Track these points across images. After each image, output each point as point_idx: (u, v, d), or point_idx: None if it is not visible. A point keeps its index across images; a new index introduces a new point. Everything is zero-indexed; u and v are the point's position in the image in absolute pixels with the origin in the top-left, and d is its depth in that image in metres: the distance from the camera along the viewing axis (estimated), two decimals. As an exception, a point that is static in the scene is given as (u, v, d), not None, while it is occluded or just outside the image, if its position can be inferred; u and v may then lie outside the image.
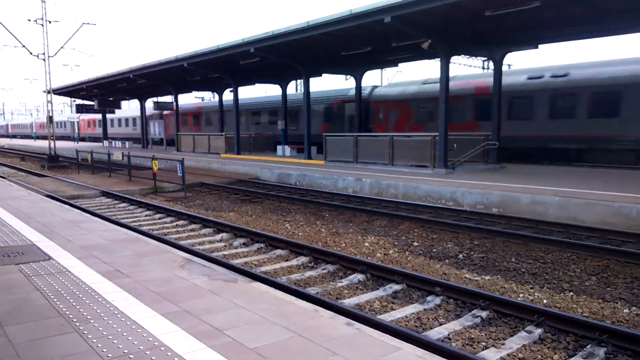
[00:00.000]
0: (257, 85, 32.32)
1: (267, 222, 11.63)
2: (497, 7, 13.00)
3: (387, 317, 5.54)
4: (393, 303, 6.12)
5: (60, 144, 46.63)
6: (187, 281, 4.94)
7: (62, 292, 4.48)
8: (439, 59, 17.31)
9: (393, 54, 21.62)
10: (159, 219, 11.87)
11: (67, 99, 63.52)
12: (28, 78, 71.82)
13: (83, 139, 61.32)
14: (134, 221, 11.42)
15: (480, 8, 13.15)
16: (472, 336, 5.06)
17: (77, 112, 54.60)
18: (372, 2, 14.72)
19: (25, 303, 4.17)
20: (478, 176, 15.10)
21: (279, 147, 27.39)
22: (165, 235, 9.97)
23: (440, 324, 5.42)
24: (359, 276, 7.13)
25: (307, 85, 23.61)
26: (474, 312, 5.72)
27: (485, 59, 43.22)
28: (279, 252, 8.63)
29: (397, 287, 6.64)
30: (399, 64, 25.48)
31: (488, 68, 48.30)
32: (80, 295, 4.39)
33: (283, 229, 10.83)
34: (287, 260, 8.19)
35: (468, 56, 41.46)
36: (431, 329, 5.27)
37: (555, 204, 10.79)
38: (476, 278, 7.13)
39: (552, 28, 15.84)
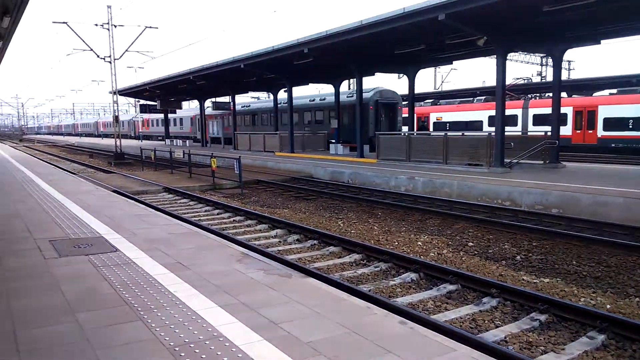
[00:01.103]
0: (310, 84, 32.62)
1: (320, 219, 11.76)
2: (556, 2, 12.46)
3: (441, 317, 5.50)
4: (447, 303, 6.05)
5: (124, 142, 49.06)
6: (244, 275, 5.12)
7: (128, 282, 4.77)
8: (495, 56, 16.82)
9: (447, 52, 21.20)
10: (217, 214, 12.27)
11: (132, 100, 66.52)
12: (95, 80, 76.03)
13: (137, 137, 64.07)
14: (194, 216, 11.87)
15: (537, 3, 12.67)
16: (530, 340, 4.94)
17: (141, 112, 57.14)
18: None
19: (94, 292, 4.47)
20: (536, 175, 14.56)
21: (332, 145, 27.51)
22: (223, 230, 10.30)
23: (497, 327, 5.32)
24: (412, 275, 7.10)
25: (359, 85, 23.59)
26: (532, 315, 5.56)
27: (544, 55, 41.55)
28: (331, 249, 8.72)
29: (451, 287, 6.56)
30: (454, 62, 24.95)
31: (547, 65, 46.39)
32: (145, 286, 4.65)
33: (336, 226, 10.92)
34: (339, 257, 8.26)
35: (525, 53, 39.98)
36: (487, 331, 5.19)
37: (620, 205, 10.25)
38: (534, 280, 6.92)
39: (614, 22, 15.01)
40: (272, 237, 9.85)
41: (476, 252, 8.59)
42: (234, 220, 11.37)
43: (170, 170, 21.60)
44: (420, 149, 19.71)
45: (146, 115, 60.59)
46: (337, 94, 29.13)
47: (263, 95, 67.60)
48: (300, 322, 3.85)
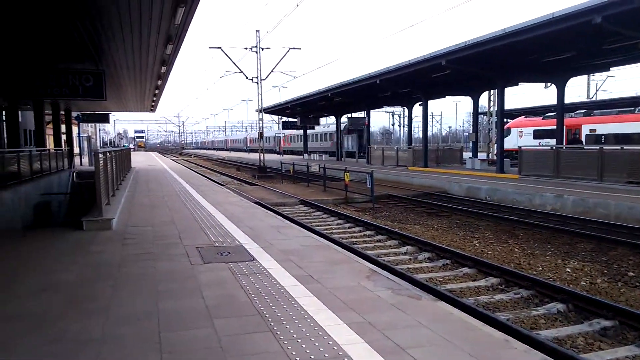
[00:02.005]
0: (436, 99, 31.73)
1: (453, 237, 11.25)
2: None
3: (593, 357, 4.85)
4: (601, 342, 5.33)
5: (267, 156, 52.42)
6: (371, 292, 5.05)
7: (262, 291, 4.99)
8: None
9: (602, 57, 19.10)
10: (349, 228, 12.42)
11: (276, 117, 71.01)
12: (244, 99, 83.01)
13: (277, 152, 67.86)
14: (326, 229, 12.16)
15: None
16: None
17: (283, 128, 60.67)
18: (575, 2, 13.26)
19: (231, 299, 4.76)
20: None
21: (468, 160, 26.35)
22: (354, 244, 10.37)
23: (664, 375, 4.53)
24: (558, 306, 6.39)
25: (501, 96, 22.30)
26: None
27: None
28: (465, 270, 8.25)
29: (606, 323, 5.77)
30: (611, 68, 22.40)
31: None
32: (276, 296, 4.83)
33: (471, 245, 10.35)
34: (474, 280, 7.79)
35: None
36: (651, 378, 4.44)
37: None
38: None
39: None
40: (402, 253, 9.65)
41: (638, 284, 7.48)
42: (364, 235, 11.40)
43: (307, 183, 22.49)
44: (570, 164, 17.96)
45: (287, 131, 64.21)
46: (475, 107, 27.87)
47: (398, 110, 67.51)
48: (428, 349, 3.66)
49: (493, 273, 7.84)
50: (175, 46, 10.87)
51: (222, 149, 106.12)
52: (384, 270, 6.23)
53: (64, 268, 5.85)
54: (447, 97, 33.06)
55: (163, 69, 14.47)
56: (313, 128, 54.92)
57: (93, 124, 76.85)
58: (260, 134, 33.23)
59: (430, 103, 30.21)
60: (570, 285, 7.39)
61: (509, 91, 26.19)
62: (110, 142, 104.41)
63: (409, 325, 4.14)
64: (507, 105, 25.35)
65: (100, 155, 8.72)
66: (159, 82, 17.68)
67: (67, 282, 5.27)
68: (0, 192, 12.69)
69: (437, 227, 12.69)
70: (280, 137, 68.37)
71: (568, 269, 8.35)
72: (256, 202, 15.77)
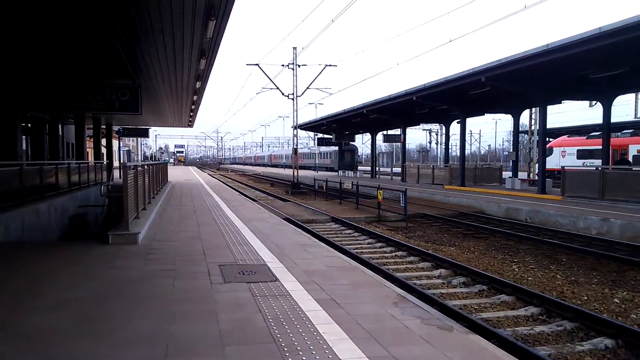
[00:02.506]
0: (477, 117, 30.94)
1: (490, 260, 10.68)
2: None
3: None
4: (656, 385, 4.76)
5: (301, 172, 52.45)
6: (398, 322, 4.68)
7: (280, 316, 4.70)
8: None
9: (657, 73, 18.11)
10: (380, 247, 12.00)
11: (312, 133, 71.28)
12: (281, 115, 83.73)
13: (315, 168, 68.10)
14: (356, 248, 11.79)
15: None
16: None
17: (318, 144, 60.78)
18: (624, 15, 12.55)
19: (247, 323, 4.48)
20: None
21: (508, 179, 25.46)
22: (384, 264, 9.97)
23: None
24: (606, 341, 5.82)
25: (543, 114, 21.48)
26: None
27: None
28: (503, 297, 7.72)
29: (662, 364, 5.18)
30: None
31: None
32: (295, 322, 4.52)
33: (509, 270, 9.76)
34: (512, 309, 7.25)
35: None
36: None
37: None
38: None
39: None
40: (434, 277, 9.17)
41: (698, 320, 6.78)
42: (395, 255, 10.96)
43: (339, 200, 22.17)
44: (616, 186, 16.97)
45: (323, 148, 64.67)
46: (516, 125, 26.99)
47: (435, 127, 66.65)
48: (458, 390, 3.27)
49: (533, 302, 7.28)
50: (209, 61, 10.88)
51: (258, 165, 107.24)
52: (413, 296, 5.83)
53: (82, 284, 5.72)
54: (486, 114, 32.24)
55: (198, 84, 14.58)
56: (348, 145, 54.98)
57: (135, 139, 79.06)
58: (295, 150, 33.25)
59: (469, 121, 29.51)
60: (619, 318, 6.77)
61: (551, 109, 25.32)
62: (152, 157, 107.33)
63: (437, 362, 3.75)
64: (550, 124, 24.40)
65: (129, 170, 8.69)
66: (195, 98, 17.87)
67: (81, 300, 5.13)
68: (36, 204, 12.95)
69: (474, 249, 12.12)
70: (315, 153, 68.60)
71: (616, 300, 7.69)
72: (286, 219, 15.56)
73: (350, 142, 51.68)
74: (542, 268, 9.94)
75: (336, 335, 4.24)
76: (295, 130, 33.56)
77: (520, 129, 30.94)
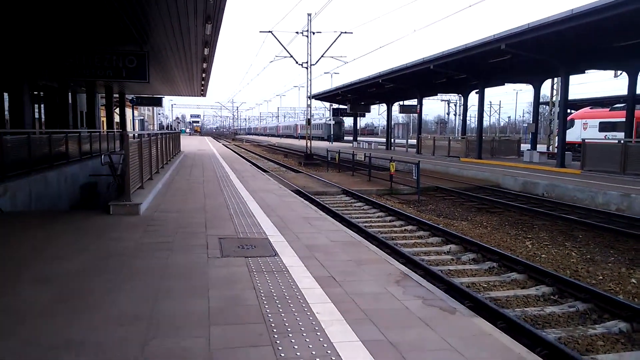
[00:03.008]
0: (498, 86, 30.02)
1: (503, 236, 10.35)
2: None
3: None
4: (673, 374, 4.47)
5: (316, 143, 52.03)
6: (398, 302, 4.43)
7: (274, 293, 4.48)
8: None
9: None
10: (389, 221, 11.73)
11: (327, 104, 70.46)
12: (297, 85, 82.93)
13: (329, 139, 67.79)
14: (365, 221, 11.54)
15: None
16: None
17: (333, 115, 60.10)
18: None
19: (237, 301, 4.27)
20: None
21: (526, 152, 24.80)
22: (392, 239, 9.71)
23: None
24: (620, 325, 5.51)
25: (565, 84, 20.65)
26: None
27: None
28: (514, 275, 7.42)
29: (680, 350, 4.87)
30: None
31: None
32: (289, 301, 4.30)
33: (522, 247, 9.43)
34: (523, 288, 6.96)
35: None
36: None
37: None
38: None
39: None
40: (444, 252, 8.90)
41: None
42: (404, 230, 10.68)
43: (352, 172, 21.86)
44: (639, 160, 16.34)
45: (317, 121, 65.33)
46: (537, 95, 26.12)
47: (454, 98, 65.32)
48: (454, 381, 3.02)
49: (545, 281, 6.98)
50: (214, 25, 10.50)
51: (272, 135, 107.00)
52: (416, 275, 5.56)
53: (72, 256, 5.57)
54: (506, 84, 31.27)
55: (206, 51, 14.21)
56: (363, 115, 54.40)
57: (151, 108, 79.10)
58: (308, 121, 32.82)
59: (489, 91, 28.72)
60: (636, 300, 6.45)
61: (574, 79, 24.40)
62: (168, 126, 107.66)
63: (436, 348, 3.50)
64: (572, 95, 23.51)
65: (130, 139, 8.47)
66: (205, 65, 17.52)
67: (68, 273, 4.97)
68: (45, 172, 12.90)
69: (487, 224, 11.78)
70: (331, 124, 68.07)
71: (634, 280, 7.34)
72: (296, 191, 15.35)
73: (365, 112, 50.89)
74: (557, 245, 9.59)
75: (330, 315, 4.01)
76: (309, 100, 33.04)
77: (541, 100, 30.01)
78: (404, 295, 4.62)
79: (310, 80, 33.95)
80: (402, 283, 5.02)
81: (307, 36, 33.48)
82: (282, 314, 3.99)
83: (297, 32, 32.97)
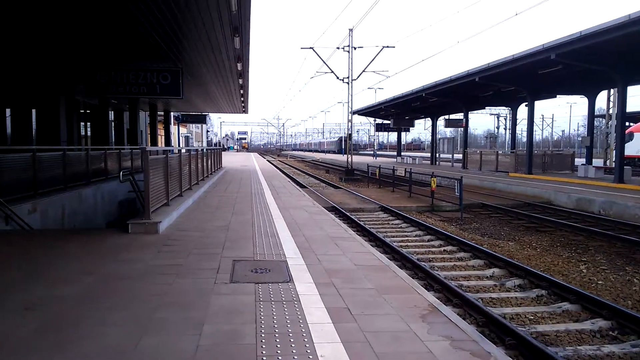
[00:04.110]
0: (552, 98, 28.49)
1: (554, 259, 9.38)
2: None
3: None
4: None
5: (359, 159, 51.42)
6: (420, 344, 3.77)
7: (276, 329, 3.92)
8: None
9: None
10: (428, 240, 10.97)
11: (372, 119, 69.93)
12: (340, 101, 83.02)
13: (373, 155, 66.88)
14: (401, 241, 10.83)
15: None
16: None
17: (377, 130, 59.39)
18: None
19: (232, 338, 3.73)
20: None
21: (581, 167, 23.24)
22: (429, 261, 8.97)
23: None
24: (697, 373, 4.59)
25: (623, 95, 19.21)
26: None
27: None
28: (566, 306, 6.54)
29: None
30: None
31: None
32: (291, 339, 3.73)
33: (576, 272, 8.47)
34: (576, 321, 6.09)
35: None
36: None
37: None
38: None
39: None
40: (486, 277, 8.07)
41: None
42: (444, 251, 9.89)
43: (392, 188, 21.10)
44: None
45: (331, 139, 65.05)
46: (591, 108, 24.54)
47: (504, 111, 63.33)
48: None
49: (602, 313, 6.08)
50: (242, 37, 10.23)
51: (317, 151, 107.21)
52: (448, 306, 4.87)
53: (74, 279, 5.22)
54: (558, 96, 29.75)
55: (239, 66, 14.03)
56: (408, 130, 53.48)
57: (199, 126, 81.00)
58: (349, 136, 32.30)
59: (541, 104, 27.39)
60: None
61: (632, 91, 22.75)
62: (218, 143, 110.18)
63: (458, 408, 2.83)
64: (630, 107, 21.87)
65: (150, 155, 8.19)
66: (241, 81, 17.40)
67: (62, 299, 4.59)
68: (80, 189, 12.96)
69: (536, 245, 10.81)
70: (375, 139, 67.55)
71: None
72: (332, 207, 14.82)
73: (409, 127, 50.04)
74: (616, 270, 8.56)
75: (336, 360, 3.40)
76: (350, 116, 32.57)
77: (596, 113, 28.27)
78: (428, 335, 3.95)
79: (351, 95, 33.53)
80: (428, 318, 4.35)
81: (348, 51, 33.16)
82: (279, 358, 3.42)
83: (337, 48, 32.71)
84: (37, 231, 9.36)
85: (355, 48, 33.86)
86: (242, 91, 20.36)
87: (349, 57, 33.33)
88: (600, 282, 7.85)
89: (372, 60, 34.02)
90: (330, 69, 33.05)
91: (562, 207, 15.85)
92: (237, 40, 10.29)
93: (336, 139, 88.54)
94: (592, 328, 5.82)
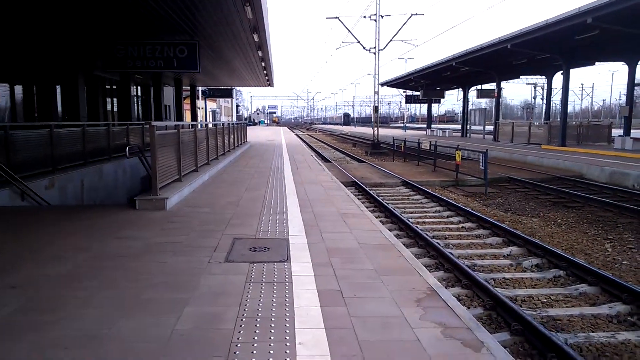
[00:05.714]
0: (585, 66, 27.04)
1: (578, 236, 8.94)
2: None
3: None
4: None
5: (387, 132, 50.65)
6: (409, 331, 3.56)
7: (259, 313, 3.78)
8: None
9: None
10: (447, 217, 10.64)
11: (402, 90, 68.48)
12: (370, 73, 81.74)
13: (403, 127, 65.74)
14: (419, 217, 10.54)
15: None
16: None
17: (406, 102, 58.16)
18: None
19: (210, 323, 3.60)
20: None
21: (618, 138, 22.16)
22: (445, 238, 8.68)
23: None
24: None
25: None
26: None
27: None
28: (583, 288, 6.19)
29: None
30: None
31: None
32: (272, 325, 3.57)
33: (600, 250, 8.04)
34: (593, 305, 5.75)
35: None
36: None
37: None
38: None
39: None
40: (502, 256, 7.74)
41: None
42: (462, 227, 9.55)
43: (417, 162, 20.64)
44: None
45: (412, 105, 62.75)
46: (631, 75, 23.20)
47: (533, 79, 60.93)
48: None
49: (622, 297, 5.71)
50: (253, 7, 9.91)
51: (346, 124, 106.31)
52: (447, 291, 4.63)
53: (68, 257, 5.20)
54: (596, 64, 28.21)
55: (256, 37, 13.72)
56: (439, 102, 52.24)
57: (229, 100, 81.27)
58: (376, 108, 31.68)
59: (579, 72, 26.16)
60: None
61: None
62: (249, 117, 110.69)
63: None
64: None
65: (161, 130, 8.08)
66: (261, 54, 17.10)
67: (52, 277, 4.56)
68: (100, 164, 13.11)
69: (561, 221, 10.34)
70: (405, 112, 66.26)
71: None
72: (352, 182, 14.59)
73: (439, 98, 48.86)
74: (645, 249, 8.08)
75: (314, 349, 3.23)
76: (376, 87, 31.86)
77: (637, 81, 26.76)
78: (420, 321, 3.73)
79: (378, 66, 32.68)
80: (424, 303, 4.12)
81: (375, 20, 32.22)
82: (255, 344, 3.27)
83: (363, 17, 31.81)
84: (50, 207, 9.49)
85: (382, 16, 32.88)
86: (263, 64, 20.06)
87: (376, 26, 32.36)
88: (625, 262, 7.42)
89: (400, 28, 32.99)
90: (356, 39, 32.40)
91: (594, 181, 15.14)
92: (249, 9, 9.99)
93: (341, 114, 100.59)
94: (609, 313, 5.47)
